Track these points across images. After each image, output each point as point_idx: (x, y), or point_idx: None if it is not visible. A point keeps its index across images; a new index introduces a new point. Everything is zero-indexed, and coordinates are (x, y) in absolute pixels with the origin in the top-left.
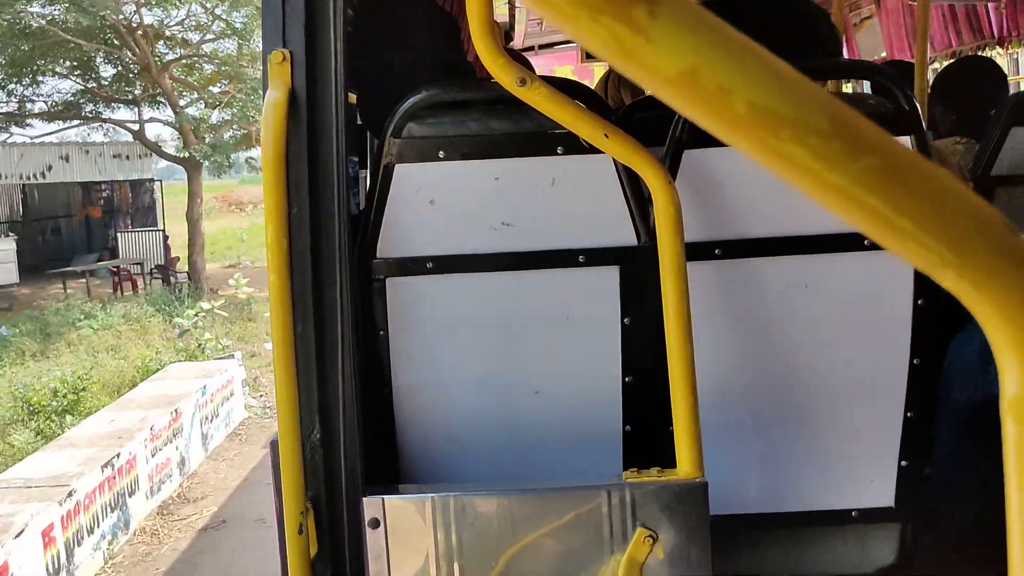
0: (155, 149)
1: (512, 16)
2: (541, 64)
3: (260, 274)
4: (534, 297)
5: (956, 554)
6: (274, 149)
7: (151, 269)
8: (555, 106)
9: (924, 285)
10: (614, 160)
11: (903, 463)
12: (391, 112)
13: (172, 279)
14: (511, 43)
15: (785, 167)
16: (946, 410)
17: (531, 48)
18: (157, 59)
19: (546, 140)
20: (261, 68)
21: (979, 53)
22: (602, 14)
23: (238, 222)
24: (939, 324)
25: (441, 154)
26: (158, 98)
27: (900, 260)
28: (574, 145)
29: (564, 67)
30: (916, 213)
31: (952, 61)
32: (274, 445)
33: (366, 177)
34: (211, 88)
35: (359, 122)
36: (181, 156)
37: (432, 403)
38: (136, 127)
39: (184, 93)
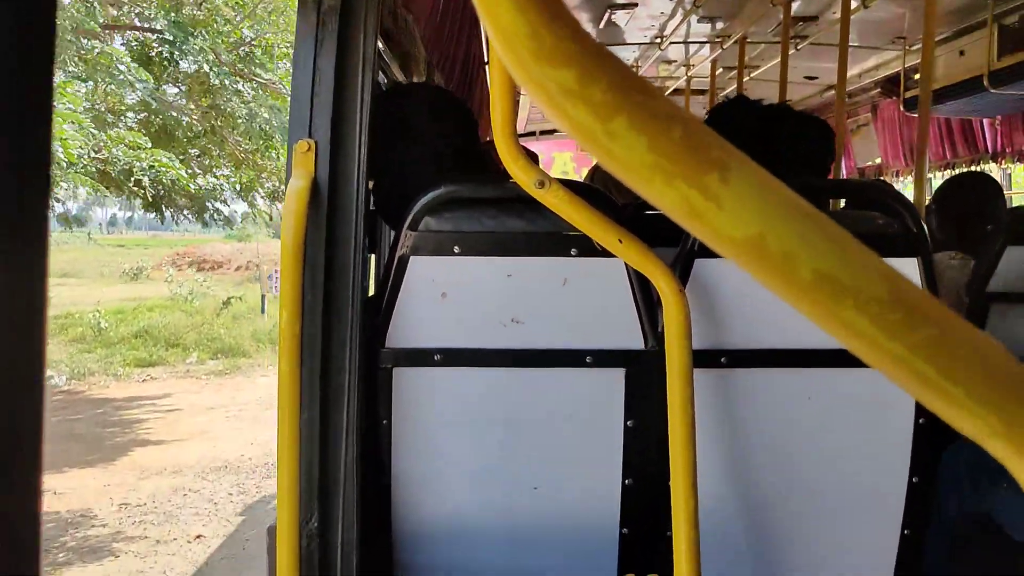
0: None
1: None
2: (540, 149)
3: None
4: (539, 394)
5: None
6: (294, 235)
7: None
8: (572, 209)
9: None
10: (626, 264)
11: None
12: (404, 201)
13: None
14: None
15: (847, 333)
16: (937, 522)
17: (532, 134)
18: None
19: (560, 241)
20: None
21: (973, 167)
22: (676, 178)
23: (161, 290)
24: (938, 443)
25: (456, 249)
26: None
27: None
28: (587, 247)
29: (563, 153)
30: (968, 383)
31: (953, 175)
32: (271, 531)
33: (372, 261)
34: None
35: (371, 207)
36: None
37: (431, 494)
38: None
39: None
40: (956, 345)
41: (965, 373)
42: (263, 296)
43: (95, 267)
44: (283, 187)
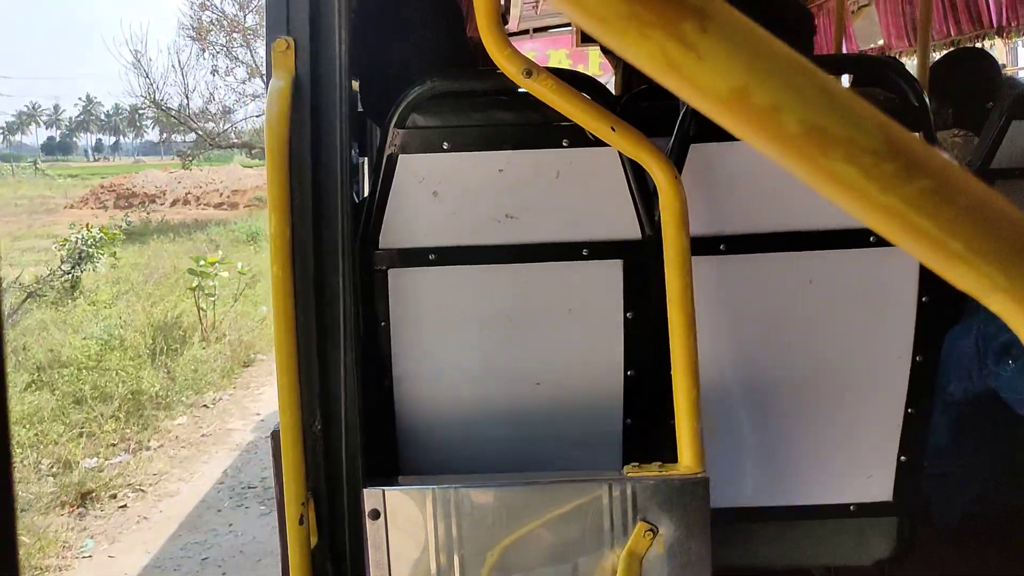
0: None
1: (507, 0)
2: (535, 47)
3: None
4: (537, 290)
5: (951, 547)
6: (278, 137)
7: None
8: (561, 98)
9: (928, 283)
10: (619, 153)
11: (902, 458)
12: (394, 101)
13: None
14: (506, 27)
15: (836, 187)
16: (942, 403)
17: (526, 32)
18: None
19: (551, 132)
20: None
21: (978, 43)
22: (651, 28)
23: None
24: (942, 322)
25: (445, 145)
26: None
27: (905, 257)
28: (579, 138)
29: (559, 51)
30: (968, 236)
31: (947, 52)
32: (275, 435)
33: (365, 164)
34: None
35: (359, 109)
36: None
37: (433, 394)
38: None
39: None
40: (956, 196)
41: (965, 225)
42: None
43: None
44: None
